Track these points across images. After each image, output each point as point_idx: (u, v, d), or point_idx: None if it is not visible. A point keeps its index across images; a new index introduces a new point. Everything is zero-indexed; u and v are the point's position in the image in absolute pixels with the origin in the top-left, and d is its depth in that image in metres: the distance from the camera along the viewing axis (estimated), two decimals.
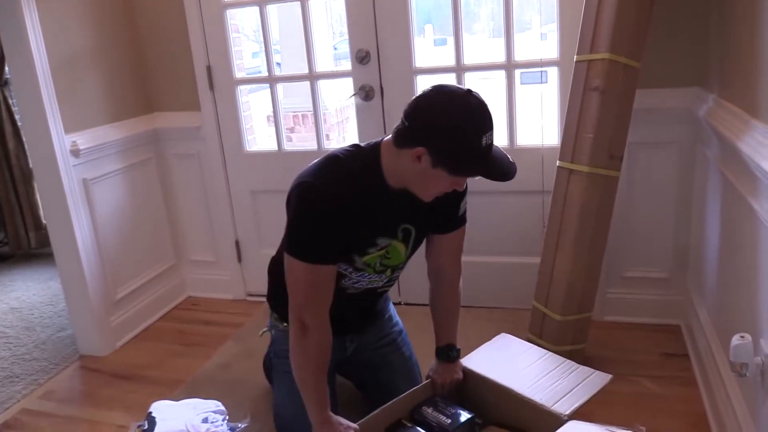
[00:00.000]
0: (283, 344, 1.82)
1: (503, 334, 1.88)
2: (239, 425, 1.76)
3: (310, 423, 1.59)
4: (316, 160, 1.56)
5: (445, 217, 1.71)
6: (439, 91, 1.41)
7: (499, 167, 1.44)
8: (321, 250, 1.50)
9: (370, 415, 1.58)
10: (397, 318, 2.01)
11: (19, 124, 3.58)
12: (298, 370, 1.57)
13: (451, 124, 1.37)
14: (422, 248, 1.79)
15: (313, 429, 1.56)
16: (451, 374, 1.73)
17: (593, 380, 1.60)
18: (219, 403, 1.84)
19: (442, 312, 1.82)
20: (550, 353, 1.75)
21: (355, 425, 1.55)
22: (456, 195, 1.63)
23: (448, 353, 1.75)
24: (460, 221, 1.74)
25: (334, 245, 1.51)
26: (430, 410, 1.62)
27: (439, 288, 1.82)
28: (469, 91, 1.40)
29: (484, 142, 1.37)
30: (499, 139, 2.54)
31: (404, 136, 1.43)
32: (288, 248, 1.53)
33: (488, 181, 2.45)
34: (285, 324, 1.82)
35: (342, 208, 1.47)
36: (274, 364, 1.91)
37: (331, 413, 1.58)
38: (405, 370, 1.90)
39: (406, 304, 2.78)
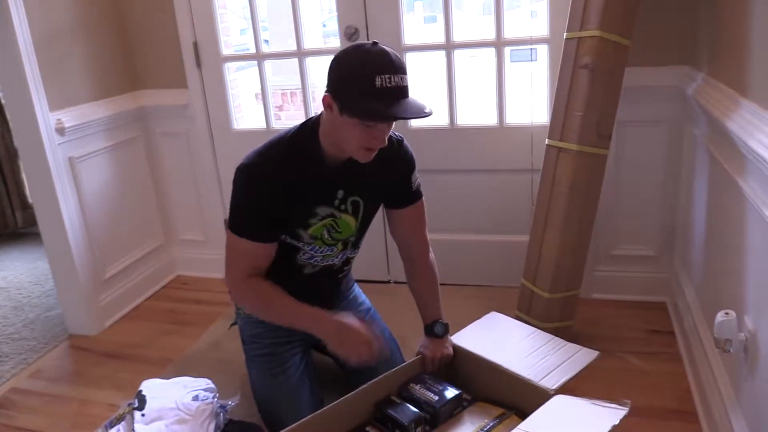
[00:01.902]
0: (248, 331, 1.86)
1: (493, 313, 1.89)
2: (229, 403, 1.77)
3: (289, 402, 1.63)
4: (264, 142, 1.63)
5: (397, 191, 1.74)
6: (350, 45, 1.50)
7: (399, 109, 1.42)
8: (257, 227, 1.58)
9: (358, 389, 1.58)
10: (363, 297, 2.01)
11: (2, 101, 3.53)
12: (274, 315, 1.66)
13: (347, 67, 1.44)
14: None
15: (328, 341, 1.59)
16: (440, 349, 1.74)
17: (580, 357, 1.62)
18: (209, 381, 1.84)
19: (420, 289, 1.83)
20: (539, 331, 1.77)
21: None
22: (402, 168, 1.70)
23: (435, 329, 1.77)
24: (414, 196, 1.76)
25: (268, 222, 1.58)
26: (417, 387, 1.63)
27: (411, 266, 1.84)
28: (375, 42, 1.46)
29: (379, 82, 1.39)
30: (489, 117, 2.56)
31: (324, 94, 1.49)
32: (229, 225, 1.61)
33: (476, 158, 2.46)
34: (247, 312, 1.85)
35: (271, 185, 1.53)
36: (244, 351, 1.91)
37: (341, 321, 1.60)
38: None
39: (396, 282, 2.80)
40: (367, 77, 1.39)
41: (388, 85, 1.40)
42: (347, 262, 1.81)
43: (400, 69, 1.43)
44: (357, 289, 2.03)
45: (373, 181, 1.66)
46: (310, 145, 1.58)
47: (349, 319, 1.59)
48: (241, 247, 1.59)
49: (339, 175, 1.62)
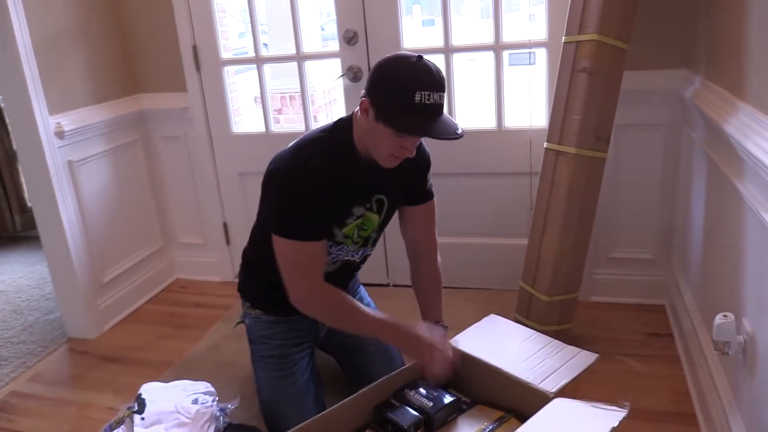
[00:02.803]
0: (257, 331, 1.87)
1: (492, 315, 1.89)
2: (229, 406, 1.77)
3: (295, 405, 1.63)
4: (292, 143, 1.64)
5: (413, 188, 1.78)
6: (395, 53, 1.53)
7: (434, 127, 1.46)
8: (308, 227, 1.57)
9: (359, 393, 1.59)
10: (368, 299, 2.04)
11: (1, 105, 3.53)
12: (344, 325, 1.67)
13: (389, 77, 1.47)
14: (397, 229, 1.86)
15: (408, 353, 1.63)
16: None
17: (579, 359, 1.62)
18: (208, 385, 1.84)
19: (424, 289, 1.85)
20: (538, 333, 1.77)
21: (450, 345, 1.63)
22: (420, 167, 1.74)
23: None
24: (427, 195, 1.80)
25: (318, 221, 1.58)
26: (412, 393, 1.63)
27: (418, 265, 1.86)
28: (420, 56, 1.48)
29: (418, 98, 1.42)
30: (488, 120, 2.57)
31: (362, 97, 1.52)
32: (275, 230, 1.58)
33: (475, 162, 2.48)
34: (257, 311, 1.87)
35: (320, 184, 1.54)
36: (251, 351, 1.91)
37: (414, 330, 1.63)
38: (378, 351, 1.91)
39: (395, 285, 2.80)
40: (407, 91, 1.42)
41: (427, 102, 1.43)
42: (365, 259, 1.84)
43: (440, 87, 1.46)
44: (363, 290, 2.05)
45: (395, 180, 1.69)
46: (348, 146, 1.60)
47: (432, 335, 1.61)
48: (306, 252, 1.58)
49: (373, 177, 1.65)
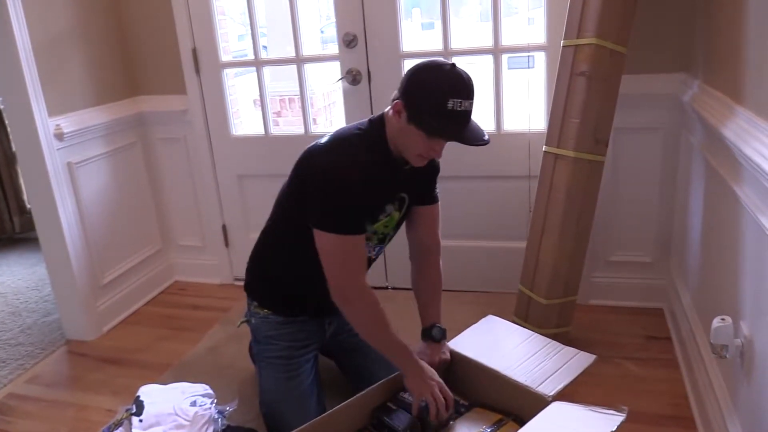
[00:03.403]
0: (265, 331, 1.87)
1: (489, 316, 1.90)
2: (227, 408, 1.77)
3: (298, 407, 1.62)
4: (326, 139, 1.67)
5: (426, 190, 1.83)
6: (431, 59, 1.59)
7: (463, 133, 1.53)
8: (352, 221, 1.61)
9: (357, 396, 1.59)
10: None
11: (1, 106, 3.53)
12: (375, 338, 1.67)
13: (424, 82, 1.53)
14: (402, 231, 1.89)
15: (409, 378, 1.62)
16: (438, 354, 1.75)
17: (577, 361, 1.63)
18: (207, 387, 1.84)
19: (424, 291, 1.87)
20: (536, 334, 1.77)
21: (443, 387, 1.62)
22: (434, 170, 1.81)
23: (434, 333, 1.78)
24: (435, 197, 1.86)
25: (361, 215, 1.63)
26: (407, 395, 1.64)
27: (421, 265, 1.88)
28: (454, 65, 1.54)
29: (451, 105, 1.48)
30: (486, 124, 2.57)
31: (395, 99, 1.58)
32: (319, 224, 1.61)
33: (474, 165, 2.49)
34: (266, 310, 1.86)
35: (363, 179, 1.58)
36: (256, 352, 1.92)
37: (420, 361, 1.65)
38: (379, 354, 1.92)
39: (393, 288, 2.80)
40: (441, 98, 1.48)
41: (459, 108, 1.50)
42: (379, 253, 1.86)
43: (471, 95, 1.53)
44: None
45: (414, 178, 1.75)
46: (383, 146, 1.65)
47: (431, 374, 1.63)
48: (352, 245, 1.62)
49: (402, 173, 1.70)
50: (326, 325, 1.92)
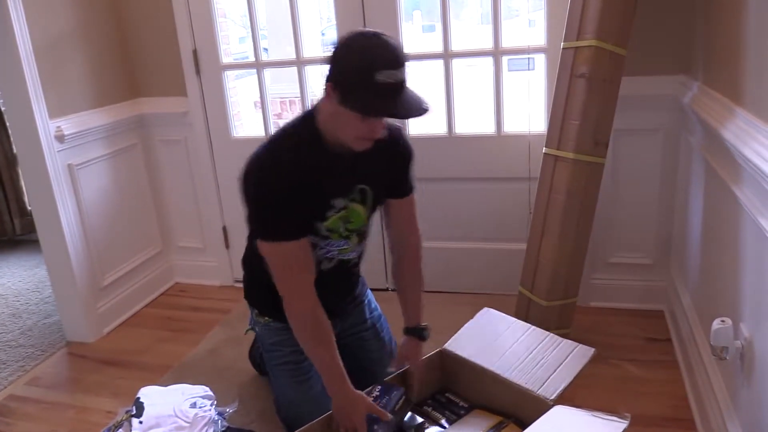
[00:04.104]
0: (269, 338, 1.85)
1: (486, 309, 1.89)
2: (227, 410, 1.77)
3: (315, 408, 1.61)
4: (263, 142, 1.60)
5: (396, 180, 1.75)
6: (351, 32, 1.47)
7: (399, 107, 1.42)
8: (285, 227, 1.54)
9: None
10: (375, 304, 2.03)
11: (2, 108, 3.54)
12: (307, 349, 1.62)
13: (349, 59, 1.42)
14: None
15: (333, 403, 1.58)
16: (420, 353, 1.74)
17: (577, 355, 1.62)
18: (207, 389, 1.84)
19: (405, 287, 1.83)
20: (534, 327, 1.76)
21: (384, 413, 1.57)
22: (401, 157, 1.72)
23: (424, 335, 1.77)
24: (410, 187, 1.78)
25: (295, 218, 1.54)
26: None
27: (402, 260, 1.83)
28: (377, 33, 1.44)
29: (380, 79, 1.37)
30: (487, 125, 2.58)
31: (325, 81, 1.47)
32: (256, 234, 1.59)
33: (474, 167, 2.46)
34: (266, 318, 1.85)
35: (291, 182, 1.51)
36: (266, 360, 1.90)
37: (353, 389, 1.60)
38: (382, 356, 1.93)
39: (393, 290, 2.79)
40: (368, 72, 1.37)
41: (389, 81, 1.39)
42: (360, 256, 1.83)
43: (401, 63, 1.41)
44: (370, 295, 2.04)
45: (377, 169, 1.66)
46: (314, 139, 1.56)
47: (360, 407, 1.57)
48: (290, 252, 1.56)
49: (349, 164, 1.61)
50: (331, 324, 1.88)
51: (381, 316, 2.00)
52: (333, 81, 1.44)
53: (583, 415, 1.39)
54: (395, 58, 1.40)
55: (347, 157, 1.57)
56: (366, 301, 1.98)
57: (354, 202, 1.67)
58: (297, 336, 1.62)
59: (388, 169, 1.70)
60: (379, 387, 1.65)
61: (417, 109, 1.44)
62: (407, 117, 1.47)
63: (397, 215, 1.79)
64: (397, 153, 1.70)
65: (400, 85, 1.42)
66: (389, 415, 1.56)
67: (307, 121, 1.58)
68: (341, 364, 1.60)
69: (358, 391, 1.60)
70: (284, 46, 3.99)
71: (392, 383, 1.67)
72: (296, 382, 1.77)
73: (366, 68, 1.37)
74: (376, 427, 1.55)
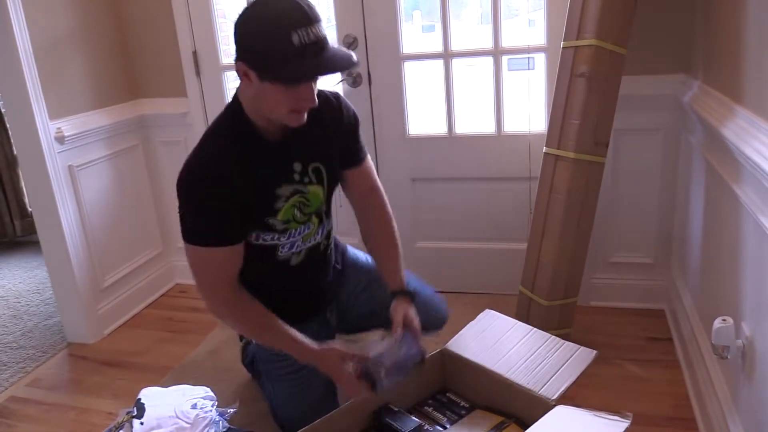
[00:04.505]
0: (268, 349, 1.75)
1: (487, 311, 1.88)
2: (228, 411, 1.77)
3: (316, 415, 1.54)
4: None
5: (349, 147, 1.65)
6: (248, 3, 1.35)
7: (325, 64, 1.31)
8: (221, 231, 1.46)
9: (354, 399, 1.59)
10: (357, 255, 1.92)
11: (2, 110, 3.54)
12: (257, 339, 1.60)
13: (256, 28, 1.31)
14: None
15: (316, 363, 1.54)
16: (413, 314, 1.62)
17: (578, 357, 1.62)
18: (208, 390, 1.84)
19: (380, 247, 1.72)
20: (535, 329, 1.76)
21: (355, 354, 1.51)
22: (345, 123, 1.61)
23: (408, 294, 1.65)
24: (363, 154, 1.68)
25: (227, 222, 1.46)
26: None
27: (371, 223, 1.73)
28: None
29: (296, 40, 1.26)
30: (487, 125, 2.58)
31: (234, 62, 1.37)
32: (186, 237, 1.48)
33: (474, 166, 2.45)
34: None
35: (221, 182, 1.42)
36: (263, 371, 1.84)
37: (321, 349, 1.54)
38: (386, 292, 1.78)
39: None
40: (282, 37, 1.26)
41: (307, 41, 1.27)
42: (328, 235, 1.72)
43: (314, 19, 1.29)
44: (349, 252, 1.91)
45: (323, 143, 1.57)
46: (243, 127, 1.46)
47: (332, 358, 1.52)
48: (211, 258, 1.47)
49: (287, 148, 1.51)
50: (327, 314, 1.82)
51: (367, 259, 1.88)
52: (245, 60, 1.33)
53: (584, 415, 1.38)
54: (306, 15, 1.28)
55: (286, 140, 1.49)
56: (349, 264, 1.88)
57: (310, 184, 1.57)
58: (240, 332, 1.59)
59: (335, 139, 1.59)
60: (407, 335, 1.56)
61: (346, 62, 1.34)
62: (335, 71, 1.36)
63: (358, 185, 1.69)
64: (340, 121, 1.60)
65: (320, 41, 1.30)
66: (364, 355, 1.50)
67: (233, 111, 1.48)
68: (296, 334, 1.53)
69: (325, 346, 1.54)
70: None
71: (417, 339, 1.58)
72: (300, 391, 1.72)
73: (278, 34, 1.26)
74: (382, 374, 1.49)
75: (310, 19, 1.29)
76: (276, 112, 1.40)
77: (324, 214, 1.66)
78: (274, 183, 1.52)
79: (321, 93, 1.53)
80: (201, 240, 1.46)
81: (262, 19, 1.30)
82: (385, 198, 1.75)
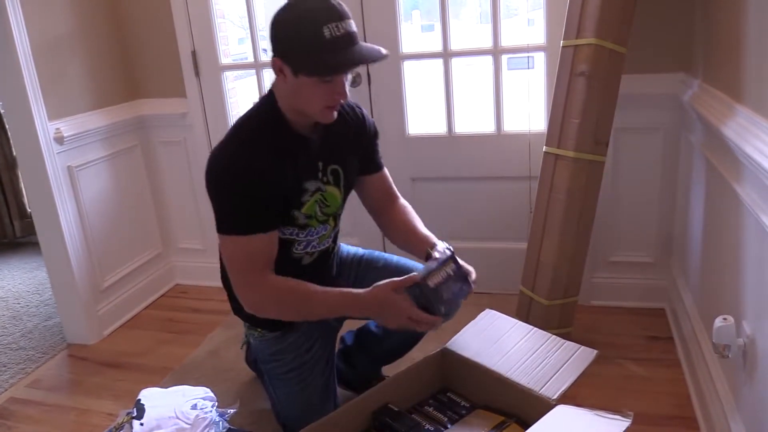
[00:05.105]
0: (267, 349, 1.76)
1: (488, 311, 1.88)
2: (228, 411, 1.76)
3: (315, 415, 1.53)
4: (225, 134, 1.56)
5: (366, 157, 1.72)
6: (284, 4, 1.42)
7: (356, 56, 1.39)
8: (260, 219, 1.48)
9: (356, 398, 1.59)
10: (350, 249, 1.94)
11: (1, 111, 3.53)
12: (302, 317, 1.59)
13: (290, 25, 1.38)
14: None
15: (373, 306, 1.50)
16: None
17: (579, 357, 1.62)
18: (208, 390, 1.83)
19: (402, 226, 1.73)
20: (536, 329, 1.76)
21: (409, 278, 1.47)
22: (366, 133, 1.68)
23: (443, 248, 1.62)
24: (380, 164, 1.75)
25: (262, 209, 1.48)
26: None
27: (388, 220, 1.76)
28: None
29: (328, 33, 1.34)
30: (486, 124, 2.57)
31: (271, 59, 1.44)
32: (218, 229, 1.50)
33: (474, 166, 2.45)
34: (259, 330, 1.76)
35: (256, 171, 1.45)
36: (264, 371, 1.84)
37: (368, 293, 1.51)
38: (396, 270, 1.77)
39: None
40: (314, 31, 1.34)
41: (338, 34, 1.35)
42: (335, 239, 1.77)
43: (345, 15, 1.38)
44: (342, 248, 1.93)
45: (345, 148, 1.63)
46: (277, 121, 1.51)
47: (384, 292, 1.48)
48: (247, 246, 1.48)
49: (315, 145, 1.57)
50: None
51: (364, 254, 1.89)
52: (280, 55, 1.41)
53: (585, 414, 1.38)
54: (337, 12, 1.37)
55: (313, 137, 1.55)
56: (344, 256, 1.88)
57: (328, 184, 1.62)
58: (297, 317, 1.58)
59: (355, 146, 1.67)
60: (460, 271, 1.53)
61: (376, 54, 1.41)
62: (367, 62, 1.43)
63: (375, 190, 1.75)
64: (362, 130, 1.68)
65: (351, 36, 1.38)
66: (415, 275, 1.46)
67: (267, 104, 1.53)
68: (334, 289, 1.52)
69: (372, 287, 1.51)
70: None
71: (469, 276, 1.56)
72: (300, 390, 1.72)
73: (310, 28, 1.34)
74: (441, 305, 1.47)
75: (340, 14, 1.37)
76: (310, 106, 1.46)
77: (338, 218, 1.71)
78: (303, 176, 1.57)
79: (349, 103, 1.64)
80: (241, 228, 1.48)
81: (296, 16, 1.38)
82: (405, 202, 1.79)
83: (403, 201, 1.80)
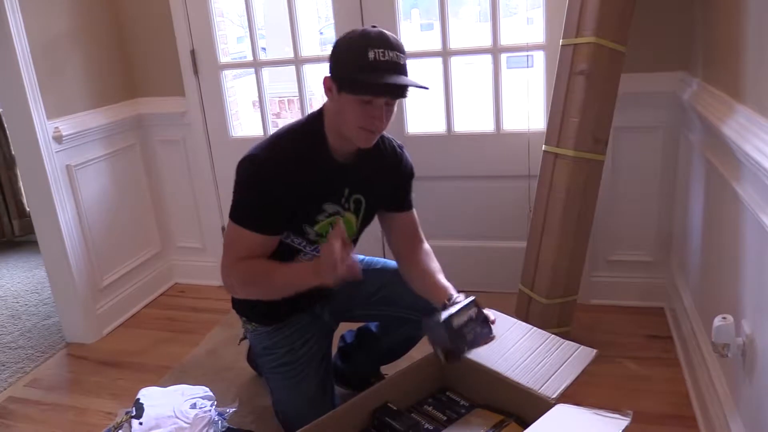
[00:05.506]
0: (260, 343, 1.81)
1: (487, 310, 1.88)
2: (227, 410, 1.76)
3: (311, 409, 1.56)
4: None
5: (398, 195, 1.75)
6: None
7: (393, 81, 1.42)
8: (262, 221, 1.55)
9: (355, 398, 1.58)
10: (376, 259, 1.94)
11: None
12: (265, 294, 1.63)
13: (343, 46, 1.46)
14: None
15: (321, 278, 1.49)
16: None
17: (578, 357, 1.61)
18: (207, 389, 1.84)
19: (425, 276, 1.71)
20: (535, 328, 1.76)
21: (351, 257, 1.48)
22: (402, 174, 1.72)
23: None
24: (410, 204, 1.77)
25: (274, 217, 1.55)
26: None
27: (416, 267, 1.73)
28: (375, 26, 1.47)
29: (372, 56, 1.40)
30: (486, 123, 2.57)
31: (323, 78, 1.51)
32: (231, 214, 1.58)
33: (474, 165, 2.44)
34: (254, 324, 1.80)
35: (281, 176, 1.51)
36: (260, 365, 1.88)
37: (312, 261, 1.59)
38: (394, 278, 1.81)
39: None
40: (360, 51, 1.41)
41: (382, 58, 1.40)
42: None
43: (395, 47, 1.43)
44: (366, 258, 1.95)
45: (375, 182, 1.67)
46: (319, 140, 1.57)
47: (325, 253, 1.47)
48: (243, 238, 1.56)
49: (346, 171, 1.61)
50: (318, 309, 1.84)
51: (363, 259, 1.89)
52: (331, 71, 1.48)
53: (584, 413, 1.38)
54: (389, 42, 1.43)
55: (350, 165, 1.60)
56: (366, 263, 1.89)
57: (348, 210, 1.67)
58: (253, 295, 1.64)
59: (388, 183, 1.71)
60: (483, 316, 1.58)
61: (415, 83, 1.45)
62: (400, 89, 1.44)
63: (400, 228, 1.76)
64: (398, 169, 1.71)
65: (395, 65, 1.42)
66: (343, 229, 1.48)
67: (314, 120, 1.59)
68: (287, 264, 1.60)
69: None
70: (282, 46, 3.99)
71: (489, 322, 1.60)
72: (294, 384, 1.75)
73: (358, 50, 1.41)
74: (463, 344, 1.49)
75: (390, 45, 1.43)
76: (347, 126, 1.49)
77: (353, 243, 1.73)
78: (325, 197, 1.62)
79: (388, 139, 1.70)
80: (248, 223, 1.55)
81: (350, 39, 1.46)
82: (428, 247, 1.77)
83: (426, 246, 1.80)
